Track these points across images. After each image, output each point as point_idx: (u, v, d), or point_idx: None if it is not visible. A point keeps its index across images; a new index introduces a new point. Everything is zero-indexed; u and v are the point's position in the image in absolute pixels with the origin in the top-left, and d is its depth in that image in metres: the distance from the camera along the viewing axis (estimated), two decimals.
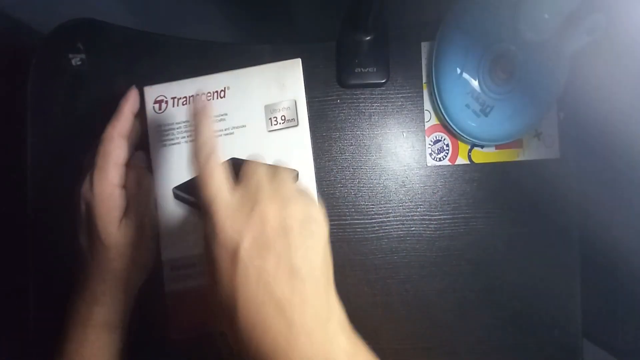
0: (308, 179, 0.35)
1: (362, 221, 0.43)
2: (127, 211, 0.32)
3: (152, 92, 0.35)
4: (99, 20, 0.41)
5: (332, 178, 0.43)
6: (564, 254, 0.44)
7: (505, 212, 0.43)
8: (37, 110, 0.41)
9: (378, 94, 0.43)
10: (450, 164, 0.43)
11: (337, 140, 0.43)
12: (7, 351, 0.45)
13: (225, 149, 0.34)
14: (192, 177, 0.33)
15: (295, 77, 0.35)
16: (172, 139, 0.35)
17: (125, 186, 0.33)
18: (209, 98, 0.35)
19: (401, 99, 0.43)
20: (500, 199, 0.43)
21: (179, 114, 0.35)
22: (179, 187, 0.34)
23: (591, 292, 0.44)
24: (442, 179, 0.43)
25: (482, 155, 0.43)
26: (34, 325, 0.41)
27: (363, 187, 0.43)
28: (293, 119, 0.35)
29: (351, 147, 0.43)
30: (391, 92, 0.43)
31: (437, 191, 0.43)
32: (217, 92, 0.35)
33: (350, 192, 0.43)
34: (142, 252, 0.32)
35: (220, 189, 0.24)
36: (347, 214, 0.43)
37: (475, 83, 0.40)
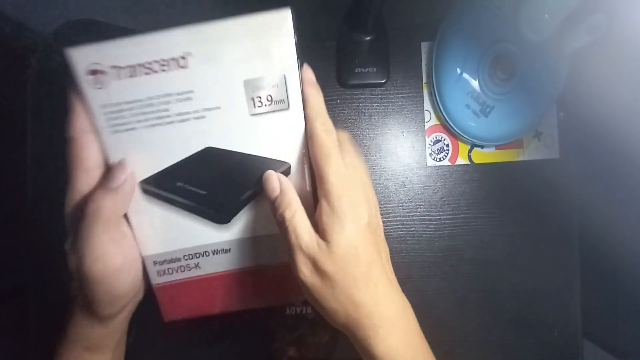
0: (301, 174, 0.29)
1: None
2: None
3: (81, 56, 0.25)
4: (99, 20, 0.41)
5: None
6: (564, 254, 0.44)
7: (505, 212, 0.43)
8: (37, 110, 0.41)
9: (378, 94, 0.43)
10: (450, 164, 0.43)
11: None
12: (7, 351, 0.45)
13: (198, 135, 0.28)
14: (162, 169, 0.29)
15: (283, 39, 0.26)
16: (125, 124, 0.27)
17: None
18: (164, 68, 0.26)
19: (401, 99, 0.43)
20: (500, 199, 0.43)
21: (127, 91, 0.26)
22: (147, 181, 0.29)
23: (591, 292, 0.44)
24: (442, 179, 0.43)
25: (482, 156, 0.43)
26: (34, 325, 0.41)
27: None
28: (282, 100, 0.27)
29: None
30: (391, 92, 0.43)
31: (437, 191, 0.43)
32: (174, 59, 0.26)
33: None
34: (118, 276, 0.27)
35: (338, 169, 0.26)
36: None
37: (475, 83, 0.40)
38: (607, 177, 0.44)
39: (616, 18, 0.32)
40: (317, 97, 0.28)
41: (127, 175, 0.27)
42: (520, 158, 0.43)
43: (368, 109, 0.43)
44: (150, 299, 0.32)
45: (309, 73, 0.29)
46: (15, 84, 0.41)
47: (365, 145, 0.43)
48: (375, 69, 0.41)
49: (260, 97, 0.27)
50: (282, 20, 0.26)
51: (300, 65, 0.28)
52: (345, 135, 0.29)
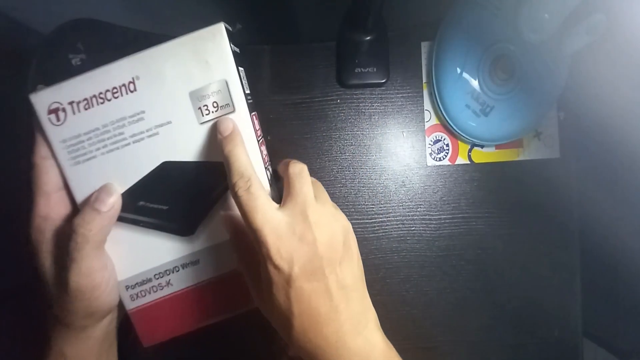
0: (258, 170, 0.30)
1: (362, 221, 0.43)
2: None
3: (42, 99, 0.29)
4: (99, 20, 0.41)
5: (332, 178, 0.43)
6: (564, 254, 0.44)
7: (505, 212, 0.43)
8: None
9: (378, 94, 0.43)
10: (450, 163, 0.43)
11: (337, 140, 0.43)
12: (7, 351, 0.45)
13: (153, 152, 0.29)
14: (122, 191, 0.30)
15: (220, 49, 0.28)
16: (85, 154, 0.29)
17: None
18: (115, 95, 0.28)
19: (401, 99, 0.43)
20: (500, 199, 0.43)
21: (84, 122, 0.29)
22: None
23: (591, 292, 0.44)
24: (442, 179, 0.43)
25: (482, 155, 0.43)
26: (33, 325, 0.41)
27: (363, 187, 0.43)
28: (227, 104, 0.29)
29: (351, 147, 0.43)
30: (391, 92, 0.43)
31: (437, 191, 0.43)
32: (124, 85, 0.28)
33: (350, 192, 0.43)
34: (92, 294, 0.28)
35: (266, 219, 0.25)
36: (347, 214, 0.43)
37: (475, 83, 0.40)
38: (607, 177, 0.44)
39: (616, 18, 0.32)
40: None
41: (115, 200, 0.29)
42: (520, 158, 0.43)
43: (368, 109, 0.43)
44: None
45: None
46: (15, 84, 0.41)
47: (365, 145, 0.43)
48: (375, 69, 0.41)
49: (206, 105, 0.29)
50: (216, 33, 0.28)
51: (242, 67, 0.30)
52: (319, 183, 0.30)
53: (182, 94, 0.29)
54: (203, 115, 0.29)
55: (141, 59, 0.28)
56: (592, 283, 0.44)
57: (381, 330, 0.28)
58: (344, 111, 0.43)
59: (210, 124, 0.29)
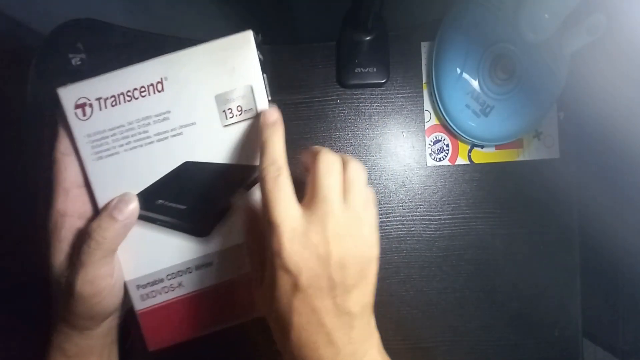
0: None
1: None
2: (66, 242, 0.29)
3: (70, 94, 0.29)
4: (99, 20, 0.41)
5: None
6: (564, 254, 0.44)
7: (505, 212, 0.43)
8: (37, 110, 0.41)
9: (378, 94, 0.43)
10: (450, 164, 0.43)
11: (337, 140, 0.43)
12: (7, 351, 0.45)
13: (176, 152, 0.30)
14: (142, 189, 0.30)
15: (247, 56, 0.29)
16: (109, 149, 0.29)
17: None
18: (143, 94, 0.29)
19: (401, 99, 0.43)
20: (500, 199, 0.43)
21: (110, 118, 0.29)
22: None
23: (591, 292, 0.44)
24: (442, 179, 0.43)
25: (482, 156, 0.43)
26: (34, 325, 0.41)
27: None
28: (251, 109, 0.30)
29: (351, 147, 0.43)
30: (391, 92, 0.43)
31: (437, 191, 0.43)
32: (152, 85, 0.29)
33: None
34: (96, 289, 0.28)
35: (286, 215, 0.24)
36: None
37: (475, 83, 0.40)
38: (607, 177, 0.44)
39: (616, 18, 0.32)
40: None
41: (133, 210, 0.29)
42: (520, 158, 0.43)
43: (368, 109, 0.43)
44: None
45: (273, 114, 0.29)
46: (15, 84, 0.41)
47: (365, 145, 0.43)
48: (375, 69, 0.41)
49: (231, 109, 0.30)
50: (245, 41, 0.29)
51: (267, 75, 0.31)
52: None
53: (208, 97, 0.29)
54: (227, 118, 0.30)
55: (170, 61, 0.29)
56: (592, 283, 0.44)
57: (383, 353, 0.27)
58: (344, 111, 0.43)
59: (233, 127, 0.30)
